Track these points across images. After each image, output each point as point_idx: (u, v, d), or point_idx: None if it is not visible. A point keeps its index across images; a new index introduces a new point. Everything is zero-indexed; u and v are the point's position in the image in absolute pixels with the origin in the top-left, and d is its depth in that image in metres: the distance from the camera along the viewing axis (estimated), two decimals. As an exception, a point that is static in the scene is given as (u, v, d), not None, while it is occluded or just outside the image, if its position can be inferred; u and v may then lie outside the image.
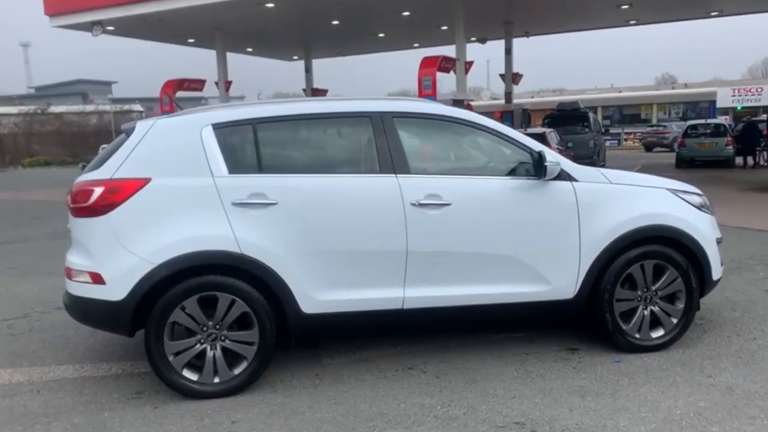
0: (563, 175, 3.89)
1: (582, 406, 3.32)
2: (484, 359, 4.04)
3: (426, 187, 3.73)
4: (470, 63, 17.61)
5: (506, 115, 21.65)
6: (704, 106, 38.21)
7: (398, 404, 3.42)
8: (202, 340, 3.54)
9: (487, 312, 3.91)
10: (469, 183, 3.86)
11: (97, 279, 3.49)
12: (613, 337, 4.02)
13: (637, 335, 4.04)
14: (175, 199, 3.54)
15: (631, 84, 51.07)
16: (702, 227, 4.12)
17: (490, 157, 4.06)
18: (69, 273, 3.64)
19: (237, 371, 3.59)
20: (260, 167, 3.66)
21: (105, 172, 3.57)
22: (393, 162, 3.74)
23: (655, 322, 4.07)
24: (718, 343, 4.20)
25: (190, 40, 21.88)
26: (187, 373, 3.55)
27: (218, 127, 3.67)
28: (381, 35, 22.18)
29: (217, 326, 3.54)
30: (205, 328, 3.53)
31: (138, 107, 53.91)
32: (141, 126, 3.69)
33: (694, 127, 21.28)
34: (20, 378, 4.00)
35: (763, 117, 24.06)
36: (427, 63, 15.30)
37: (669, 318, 4.08)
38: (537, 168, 3.83)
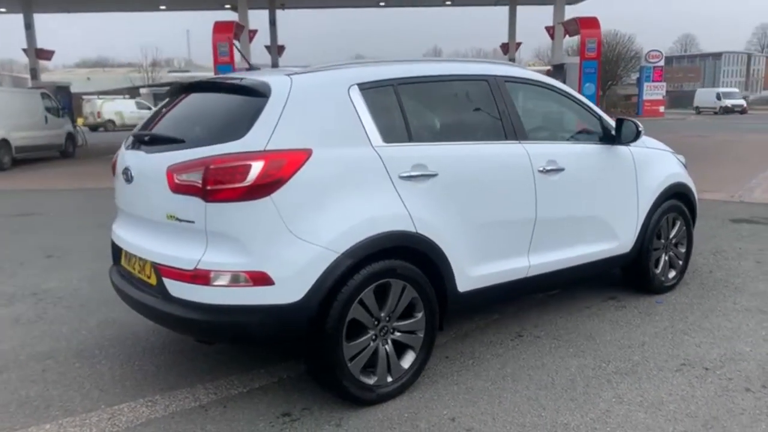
0: (625, 141, 4.28)
1: (703, 342, 3.79)
2: (563, 317, 4.25)
3: (545, 153, 3.75)
4: (254, 31, 16.91)
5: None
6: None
7: (566, 369, 3.45)
8: (374, 336, 3.04)
9: (578, 272, 4.11)
10: (572, 148, 4.00)
11: (260, 280, 2.71)
12: (652, 282, 4.62)
13: (663, 278, 4.71)
14: (341, 173, 2.92)
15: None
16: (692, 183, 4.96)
17: (575, 123, 4.23)
18: (203, 276, 2.73)
19: (407, 365, 3.18)
20: (409, 135, 3.23)
21: (252, 142, 2.75)
22: (514, 128, 3.66)
23: (669, 266, 4.80)
24: (698, 278, 5.12)
25: None
26: (364, 378, 3.02)
27: (364, 88, 3.12)
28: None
29: (387, 318, 3.08)
30: (376, 322, 3.04)
31: None
32: (277, 84, 2.92)
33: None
34: (86, 432, 2.87)
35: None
36: (221, 28, 14.21)
37: (678, 261, 4.84)
38: (615, 134, 4.15)
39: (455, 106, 3.61)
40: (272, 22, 21.56)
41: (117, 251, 3.45)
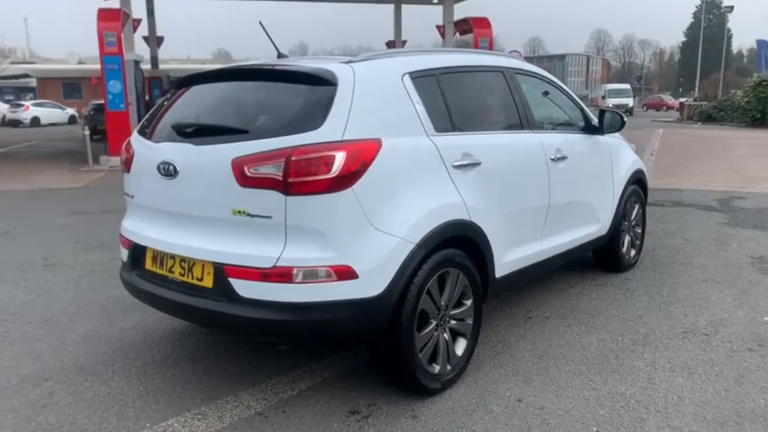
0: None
1: (688, 312, 4.18)
2: (556, 298, 4.49)
3: (553, 143, 3.94)
4: (138, 20, 15.82)
5: (155, 82, 20.02)
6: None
7: (590, 345, 3.66)
8: (437, 326, 3.05)
9: (571, 254, 4.35)
10: (569, 137, 4.23)
11: (344, 274, 2.61)
12: (621, 260, 5.02)
13: (628, 257, 5.14)
14: (407, 162, 2.88)
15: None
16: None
17: (567, 114, 4.45)
18: (284, 274, 2.57)
19: (460, 352, 3.21)
20: (452, 124, 3.26)
21: (330, 132, 2.63)
22: (528, 118, 3.82)
23: (631, 246, 5.23)
24: (647, 256, 5.62)
25: None
26: (430, 369, 3.02)
27: (414, 77, 3.09)
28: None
29: (446, 306, 3.10)
30: (437, 312, 3.05)
31: None
32: (342, 72, 2.80)
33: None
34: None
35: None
36: (107, 16, 13.10)
37: (637, 241, 5.30)
38: (599, 124, 4.45)
39: (483, 96, 3.68)
40: (150, 12, 20.22)
41: (139, 254, 3.13)
